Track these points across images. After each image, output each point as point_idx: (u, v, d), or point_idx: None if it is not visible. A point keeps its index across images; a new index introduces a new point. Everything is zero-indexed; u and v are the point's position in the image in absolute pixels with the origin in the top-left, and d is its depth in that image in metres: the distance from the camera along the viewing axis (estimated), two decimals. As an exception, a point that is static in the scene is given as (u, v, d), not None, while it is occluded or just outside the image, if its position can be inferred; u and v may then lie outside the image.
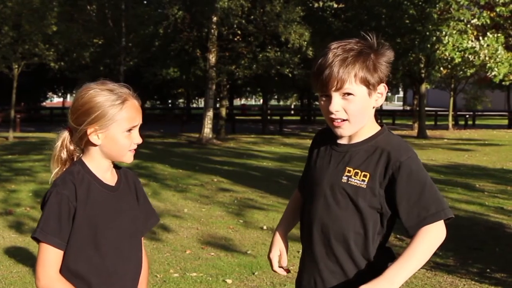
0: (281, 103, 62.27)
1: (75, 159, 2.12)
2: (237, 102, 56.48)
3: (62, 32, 22.99)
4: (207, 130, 21.99)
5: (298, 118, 40.05)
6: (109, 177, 2.13)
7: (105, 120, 2.01)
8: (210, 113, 22.19)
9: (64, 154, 2.11)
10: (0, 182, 10.55)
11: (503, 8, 18.92)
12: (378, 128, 2.14)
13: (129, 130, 2.06)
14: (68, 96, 52.94)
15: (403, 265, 1.96)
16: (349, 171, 2.07)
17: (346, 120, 2.04)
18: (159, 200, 9.06)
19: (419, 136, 23.94)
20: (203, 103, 29.04)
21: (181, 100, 49.35)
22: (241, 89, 42.04)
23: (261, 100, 39.56)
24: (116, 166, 2.19)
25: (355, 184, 2.04)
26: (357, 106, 2.02)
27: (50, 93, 49.21)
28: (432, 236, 2.00)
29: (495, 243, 6.61)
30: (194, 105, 50.79)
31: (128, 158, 2.10)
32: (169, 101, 47.59)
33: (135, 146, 2.10)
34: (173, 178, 11.47)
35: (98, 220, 2.02)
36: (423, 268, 5.53)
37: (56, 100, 59.23)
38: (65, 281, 1.98)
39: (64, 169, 2.10)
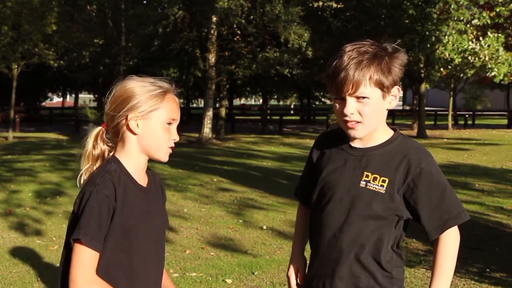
0: (281, 103, 62.23)
1: (106, 157, 2.06)
2: (236, 102, 56.45)
3: (62, 32, 22.99)
4: (207, 130, 21.99)
5: (298, 118, 40.02)
6: (142, 178, 2.07)
7: (147, 107, 1.97)
8: (209, 113, 22.20)
9: (97, 150, 2.06)
10: (0, 182, 10.54)
11: (503, 8, 18.93)
12: (392, 132, 2.14)
13: (169, 123, 2.01)
14: (68, 96, 52.95)
15: (443, 279, 2.06)
16: (367, 176, 2.06)
17: (360, 122, 2.03)
18: (159, 200, 9.06)
19: (418, 136, 23.93)
20: (202, 103, 29.04)
21: (181, 100, 49.22)
22: (240, 89, 41.99)
23: (261, 100, 39.55)
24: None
25: (374, 189, 2.04)
26: (371, 109, 2.02)
27: (50, 93, 49.17)
28: (453, 240, 2.08)
29: (495, 243, 6.61)
30: (194, 105, 50.78)
31: (164, 155, 2.04)
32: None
33: (173, 144, 2.04)
34: (173, 178, 11.47)
35: (132, 222, 1.97)
36: (423, 268, 5.54)
37: (55, 100, 59.25)
38: (105, 282, 1.91)
39: (96, 167, 2.04)
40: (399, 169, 2.04)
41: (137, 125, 1.98)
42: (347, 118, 2.03)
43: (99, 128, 2.07)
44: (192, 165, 13.52)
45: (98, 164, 2.05)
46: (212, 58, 22.32)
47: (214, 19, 21.71)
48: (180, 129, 2.10)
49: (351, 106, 2.01)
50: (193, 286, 5.18)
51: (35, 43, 21.64)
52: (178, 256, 6.08)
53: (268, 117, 31.39)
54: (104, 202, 1.91)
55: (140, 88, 2.00)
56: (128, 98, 1.98)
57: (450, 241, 2.07)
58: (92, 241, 1.89)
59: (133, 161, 2.03)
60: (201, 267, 5.71)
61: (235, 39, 23.40)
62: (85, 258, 1.89)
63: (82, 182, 2.04)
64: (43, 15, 21.35)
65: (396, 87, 2.06)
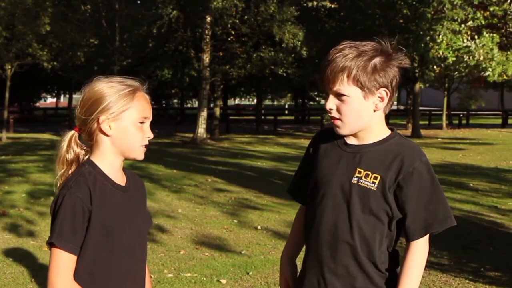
0: (275, 103, 62.28)
1: (81, 160, 2.06)
2: (231, 102, 56.45)
3: (56, 32, 22.93)
4: (201, 130, 21.98)
5: (292, 118, 40.09)
6: (120, 177, 2.07)
7: (117, 108, 1.97)
8: (204, 113, 22.18)
9: (70, 155, 2.05)
10: (-7, 183, 10.51)
11: (497, 8, 18.96)
12: (389, 131, 2.12)
13: (141, 122, 2.02)
14: (62, 96, 52.82)
15: (410, 284, 2.02)
16: (359, 172, 2.04)
17: (340, 119, 2.04)
18: (154, 201, 9.04)
19: (413, 136, 23.98)
20: (197, 103, 29.04)
21: (175, 101, 49.33)
22: (235, 89, 42.02)
23: (255, 100, 39.58)
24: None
25: (365, 185, 2.02)
26: (349, 108, 2.01)
27: (43, 94, 49.06)
28: (422, 251, 2.05)
29: (489, 242, 6.62)
30: (188, 105, 50.76)
31: (139, 154, 2.04)
32: (163, 101, 47.54)
33: (147, 142, 2.04)
34: (168, 178, 11.45)
35: (113, 222, 1.97)
36: (418, 267, 5.53)
37: (49, 101, 59.09)
38: (79, 287, 1.92)
39: (71, 171, 2.03)
40: (391, 167, 2.02)
41: (110, 126, 1.99)
42: (329, 114, 2.06)
43: (72, 132, 2.07)
44: (187, 166, 13.50)
45: (73, 168, 2.05)
46: (206, 58, 22.31)
47: (208, 19, 21.69)
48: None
49: (330, 102, 2.04)
50: (188, 286, 5.17)
51: (29, 43, 21.58)
52: (172, 257, 6.07)
53: (263, 117, 31.43)
54: (77, 205, 1.90)
55: (109, 89, 2.00)
56: (97, 101, 1.98)
57: (419, 251, 2.04)
58: (67, 244, 1.89)
59: (108, 162, 2.03)
60: (196, 268, 5.70)
61: (230, 39, 23.40)
62: (61, 262, 1.89)
63: (58, 187, 2.04)
64: (37, 15, 21.30)
65: (383, 89, 2.02)
